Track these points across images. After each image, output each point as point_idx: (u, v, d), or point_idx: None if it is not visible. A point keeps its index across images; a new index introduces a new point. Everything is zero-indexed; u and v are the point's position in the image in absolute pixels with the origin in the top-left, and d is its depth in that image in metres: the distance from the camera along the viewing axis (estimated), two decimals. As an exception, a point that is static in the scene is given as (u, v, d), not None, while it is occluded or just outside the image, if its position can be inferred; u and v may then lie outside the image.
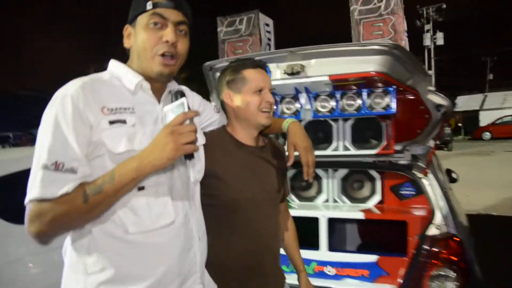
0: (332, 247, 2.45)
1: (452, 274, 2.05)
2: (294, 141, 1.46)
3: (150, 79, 1.17)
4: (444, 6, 27.76)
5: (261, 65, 1.48)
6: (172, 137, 1.01)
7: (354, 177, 2.70)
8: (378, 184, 2.62)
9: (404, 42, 13.47)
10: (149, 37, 1.12)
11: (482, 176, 10.08)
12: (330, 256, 2.41)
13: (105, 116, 1.05)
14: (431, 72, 27.43)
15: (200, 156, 1.33)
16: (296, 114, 2.23)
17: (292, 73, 1.84)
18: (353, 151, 2.32)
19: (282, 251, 1.66)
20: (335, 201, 2.73)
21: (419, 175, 2.32)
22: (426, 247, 2.15)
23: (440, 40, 27.84)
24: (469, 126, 28.25)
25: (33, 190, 0.96)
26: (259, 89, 1.42)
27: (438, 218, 2.22)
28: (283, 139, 2.36)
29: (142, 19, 1.13)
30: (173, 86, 1.26)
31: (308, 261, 2.43)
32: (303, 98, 2.17)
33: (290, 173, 2.78)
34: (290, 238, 1.72)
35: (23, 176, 2.73)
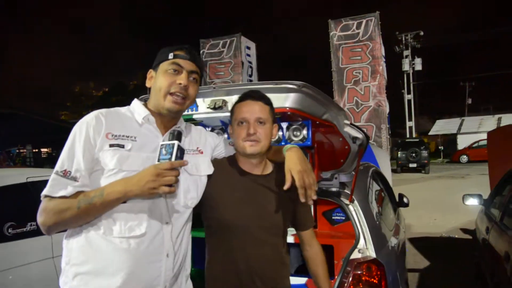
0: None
1: (371, 296, 2.18)
2: (289, 166, 1.53)
3: (160, 115, 1.45)
4: (422, 33, 28.78)
5: (244, 98, 1.64)
6: (156, 177, 1.24)
7: (291, 203, 2.83)
8: (311, 209, 2.76)
9: (382, 68, 14.09)
10: (166, 79, 1.42)
11: (452, 200, 10.28)
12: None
13: (108, 140, 1.33)
14: (410, 97, 28.15)
15: (198, 185, 1.54)
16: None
17: (215, 108, 1.98)
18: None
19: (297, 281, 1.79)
20: (273, 225, 2.85)
21: (346, 201, 2.46)
22: (349, 270, 2.28)
23: (418, 66, 28.71)
24: (448, 149, 28.89)
25: (45, 188, 1.26)
26: (241, 121, 1.58)
27: (361, 242, 2.35)
28: None
29: (163, 66, 1.44)
30: (181, 124, 1.54)
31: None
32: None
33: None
34: (314, 268, 1.78)
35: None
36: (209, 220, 1.57)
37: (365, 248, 2.34)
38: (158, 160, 1.29)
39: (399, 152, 19.91)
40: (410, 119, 28.05)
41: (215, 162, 1.65)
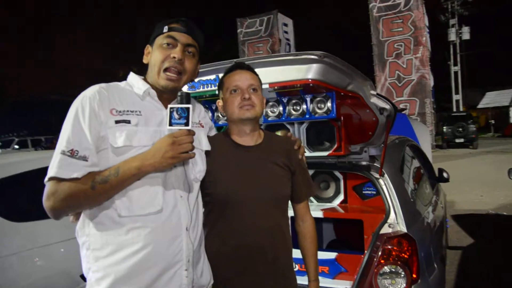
0: (295, 245, 2.56)
1: (401, 271, 2.13)
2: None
3: (158, 90, 1.39)
4: (470, -1, 26.85)
5: (233, 69, 1.62)
6: (173, 146, 1.22)
7: (320, 178, 2.80)
8: (342, 184, 2.71)
9: (425, 38, 13.57)
10: (160, 54, 1.36)
11: (502, 175, 9.72)
12: (293, 253, 2.52)
13: (113, 116, 1.27)
14: (457, 68, 26.63)
15: (202, 158, 1.51)
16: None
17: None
18: (308, 153, 2.41)
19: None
20: (303, 201, 2.83)
21: (376, 175, 2.39)
22: (378, 244, 2.23)
23: (466, 35, 26.96)
24: (499, 123, 27.23)
25: (52, 170, 1.18)
26: (233, 89, 1.57)
27: (392, 217, 2.29)
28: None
29: (158, 40, 1.39)
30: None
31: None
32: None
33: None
34: (304, 244, 1.72)
35: (26, 177, 2.97)
36: (206, 196, 1.56)
37: (396, 223, 2.27)
38: (170, 124, 1.25)
39: (444, 127, 19.07)
40: (457, 92, 26.62)
41: (208, 138, 1.62)
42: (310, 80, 1.89)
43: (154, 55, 1.38)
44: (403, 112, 8.07)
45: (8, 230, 2.54)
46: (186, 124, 1.25)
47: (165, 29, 1.38)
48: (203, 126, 1.58)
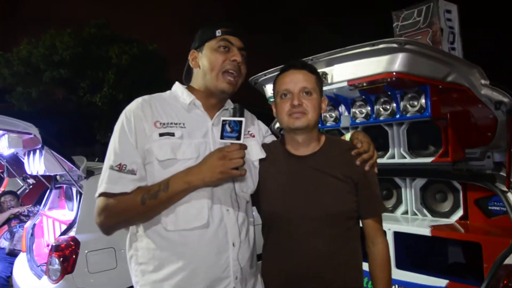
0: (399, 264, 2.22)
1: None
2: (355, 135, 1.45)
3: (207, 97, 1.36)
4: None
5: (286, 68, 1.43)
6: (222, 161, 1.19)
7: (435, 187, 2.35)
8: (461, 196, 2.22)
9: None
10: (218, 57, 1.32)
11: None
12: (396, 274, 2.19)
13: (157, 129, 1.26)
14: None
15: (252, 172, 1.41)
16: (337, 121, 2.15)
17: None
18: (408, 159, 2.05)
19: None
20: (414, 213, 2.43)
21: (502, 187, 1.89)
22: (501, 276, 1.76)
23: None
24: None
25: (101, 186, 1.19)
26: (283, 93, 1.39)
27: (523, 244, 1.78)
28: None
29: (211, 44, 1.34)
30: (229, 105, 1.43)
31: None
32: (341, 105, 2.08)
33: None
34: (374, 271, 1.39)
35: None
36: (260, 212, 1.43)
37: (528, 252, 1.75)
38: (222, 138, 1.21)
39: None
40: None
41: (263, 146, 1.48)
42: (394, 74, 1.63)
43: (210, 58, 1.33)
44: None
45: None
46: (238, 138, 1.20)
47: (218, 32, 1.34)
48: (253, 136, 1.48)
